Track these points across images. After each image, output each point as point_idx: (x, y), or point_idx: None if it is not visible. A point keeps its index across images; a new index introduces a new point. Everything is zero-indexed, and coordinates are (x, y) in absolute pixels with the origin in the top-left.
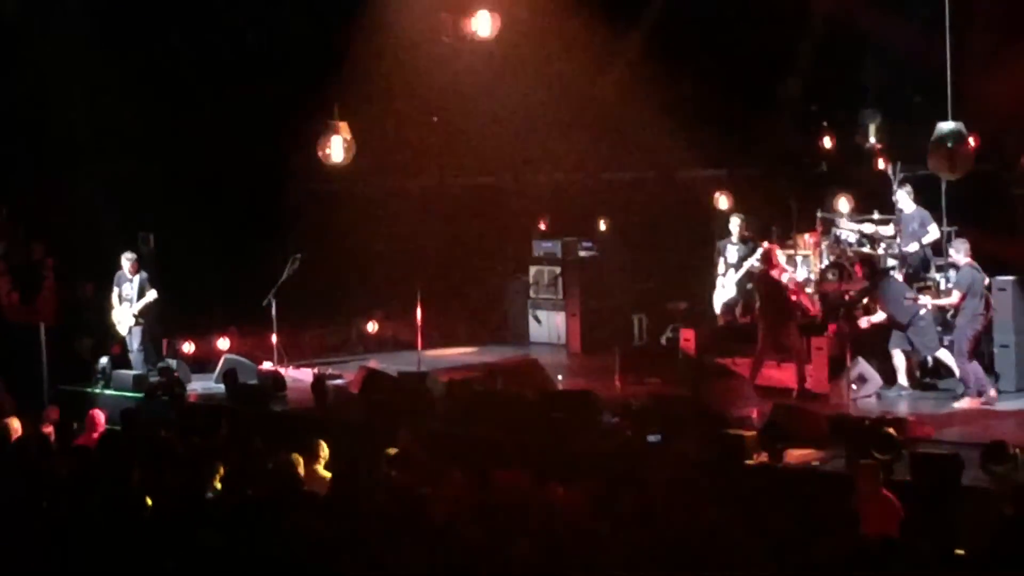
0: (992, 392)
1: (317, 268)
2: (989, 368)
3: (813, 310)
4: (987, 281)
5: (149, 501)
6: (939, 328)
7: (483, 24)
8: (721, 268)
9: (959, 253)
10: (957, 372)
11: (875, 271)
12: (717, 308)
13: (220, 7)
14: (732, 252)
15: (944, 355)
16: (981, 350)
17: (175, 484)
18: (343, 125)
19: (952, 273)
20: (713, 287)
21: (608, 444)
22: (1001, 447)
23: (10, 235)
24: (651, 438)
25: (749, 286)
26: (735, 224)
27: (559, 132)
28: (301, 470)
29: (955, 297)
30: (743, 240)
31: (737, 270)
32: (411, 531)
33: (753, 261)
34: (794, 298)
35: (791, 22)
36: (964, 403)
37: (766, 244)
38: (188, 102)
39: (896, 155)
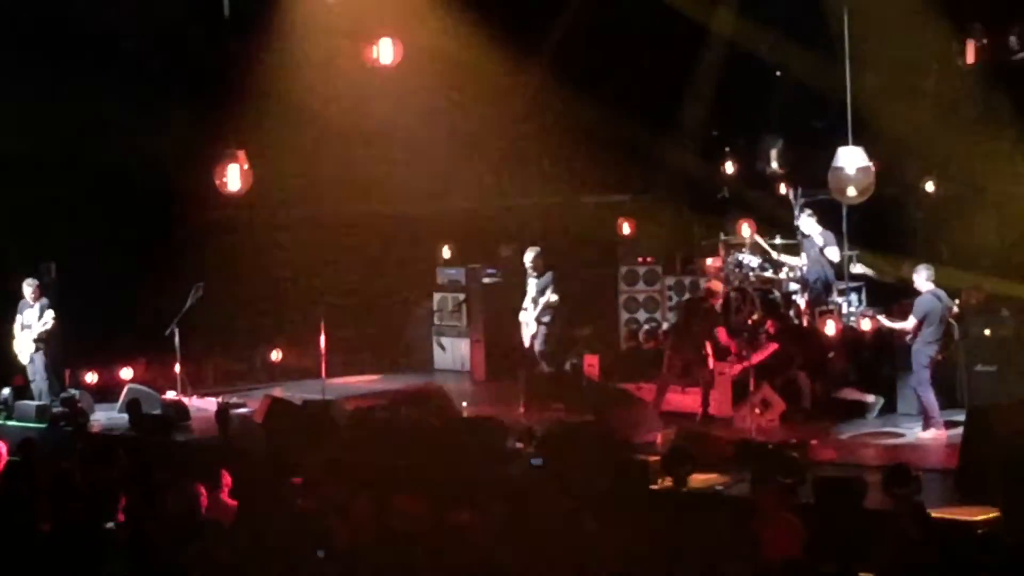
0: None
1: (220, 297)
2: (891, 390)
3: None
4: (955, 309)
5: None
6: None
7: (385, 52)
8: (525, 302)
9: (920, 278)
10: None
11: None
12: (526, 342)
13: (121, 32)
14: (532, 286)
15: (847, 393)
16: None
17: (77, 515)
18: (240, 153)
19: (855, 296)
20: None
21: (512, 470)
22: (903, 470)
23: None
24: (534, 461)
25: (547, 318)
26: (528, 257)
27: (462, 159)
28: (205, 499)
29: (911, 323)
30: (540, 273)
31: (536, 304)
32: (315, 559)
33: (550, 295)
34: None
35: (693, 47)
36: (929, 434)
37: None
38: (87, 129)
39: (798, 180)
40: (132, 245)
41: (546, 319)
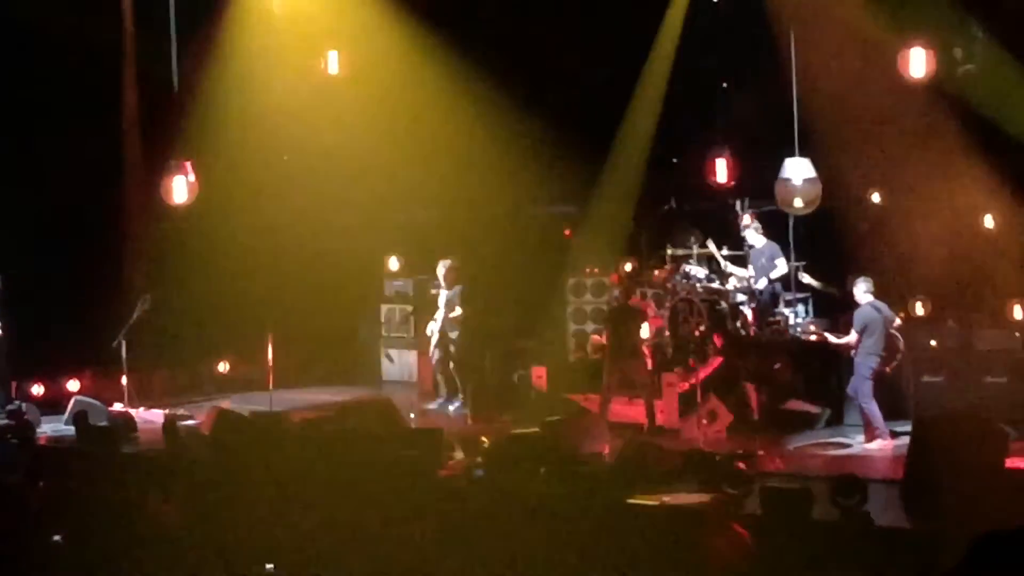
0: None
1: (167, 308)
2: (838, 401)
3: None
4: (897, 322)
5: None
6: None
7: (333, 64)
8: (437, 314)
9: (860, 291)
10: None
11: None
12: (430, 352)
13: (68, 42)
14: (442, 297)
15: (794, 404)
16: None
17: (23, 528)
18: (186, 165)
19: (801, 308)
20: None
21: (457, 482)
22: (850, 481)
23: None
24: (477, 472)
25: (454, 333)
26: (441, 270)
27: (410, 170)
28: (152, 511)
29: (852, 336)
30: (450, 286)
31: (445, 315)
32: (263, 572)
33: (458, 309)
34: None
35: (640, 59)
36: (876, 444)
37: (617, 278)
38: (31, 140)
39: (744, 191)
40: (78, 256)
41: (453, 333)
